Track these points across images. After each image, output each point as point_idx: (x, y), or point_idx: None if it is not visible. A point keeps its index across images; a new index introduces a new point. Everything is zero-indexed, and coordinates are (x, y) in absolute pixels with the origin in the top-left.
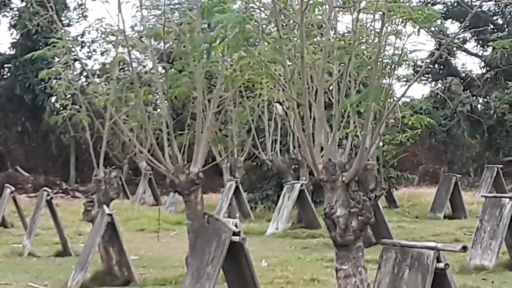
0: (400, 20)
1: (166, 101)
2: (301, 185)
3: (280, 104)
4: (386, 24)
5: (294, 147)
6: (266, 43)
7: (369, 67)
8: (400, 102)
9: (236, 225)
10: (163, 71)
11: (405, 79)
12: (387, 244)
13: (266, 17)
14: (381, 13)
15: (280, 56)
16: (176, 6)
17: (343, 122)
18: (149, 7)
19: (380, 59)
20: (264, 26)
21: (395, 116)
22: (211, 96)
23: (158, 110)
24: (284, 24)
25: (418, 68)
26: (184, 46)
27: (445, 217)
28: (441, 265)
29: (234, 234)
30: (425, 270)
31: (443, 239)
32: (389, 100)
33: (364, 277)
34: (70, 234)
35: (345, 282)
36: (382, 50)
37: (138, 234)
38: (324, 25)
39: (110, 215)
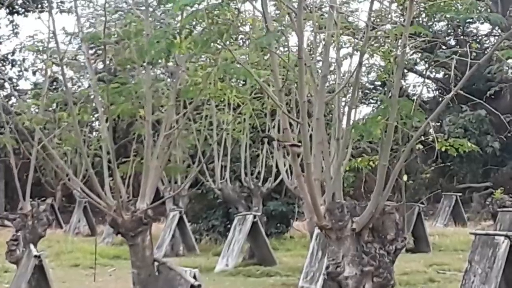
0: None
1: (106, 121)
2: (254, 217)
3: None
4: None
5: (246, 174)
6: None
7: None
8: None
9: (194, 277)
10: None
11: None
12: None
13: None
14: None
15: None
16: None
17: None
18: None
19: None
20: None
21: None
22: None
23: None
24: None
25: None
26: (129, 52)
27: (407, 250)
28: None
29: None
30: None
31: (415, 279)
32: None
33: None
34: None
35: None
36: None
37: (72, 270)
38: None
39: (37, 256)
